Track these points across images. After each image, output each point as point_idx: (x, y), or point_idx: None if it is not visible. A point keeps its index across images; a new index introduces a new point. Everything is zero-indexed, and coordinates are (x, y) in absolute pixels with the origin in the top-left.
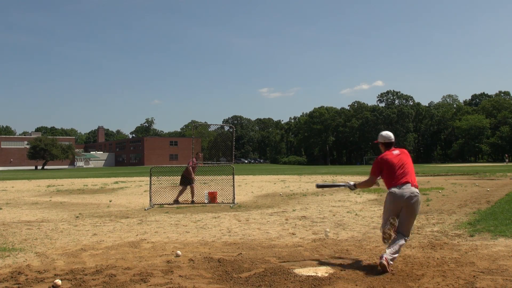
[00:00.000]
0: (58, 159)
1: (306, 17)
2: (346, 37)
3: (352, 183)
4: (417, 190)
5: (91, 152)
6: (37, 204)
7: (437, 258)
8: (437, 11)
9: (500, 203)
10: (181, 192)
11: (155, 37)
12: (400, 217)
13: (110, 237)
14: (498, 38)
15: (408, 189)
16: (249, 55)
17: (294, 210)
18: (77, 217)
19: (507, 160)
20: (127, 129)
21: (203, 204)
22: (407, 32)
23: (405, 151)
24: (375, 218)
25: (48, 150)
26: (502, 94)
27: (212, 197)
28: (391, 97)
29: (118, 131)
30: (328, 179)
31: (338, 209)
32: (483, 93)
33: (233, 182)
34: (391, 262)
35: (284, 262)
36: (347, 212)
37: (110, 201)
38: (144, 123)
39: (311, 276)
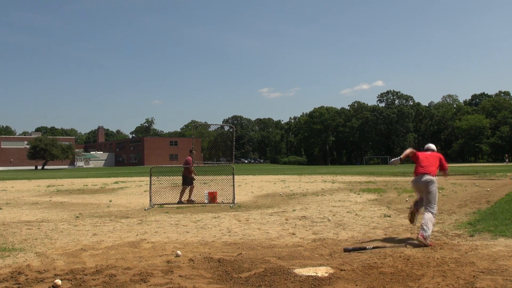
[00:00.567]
0: (58, 159)
1: (306, 17)
2: (346, 37)
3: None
4: (430, 177)
5: (91, 152)
6: (37, 204)
7: (437, 258)
8: (437, 11)
9: (500, 203)
10: (182, 192)
11: (155, 37)
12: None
13: (110, 237)
14: (498, 38)
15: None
16: (249, 55)
17: (294, 210)
18: (77, 217)
19: (507, 160)
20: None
21: (203, 204)
22: (407, 32)
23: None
24: (375, 218)
25: (48, 150)
26: (502, 94)
27: (212, 197)
28: (391, 97)
29: (118, 131)
30: (328, 179)
31: (338, 209)
32: (483, 93)
33: (233, 182)
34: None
35: (284, 262)
36: (347, 212)
37: (110, 201)
38: (144, 123)
39: (311, 276)
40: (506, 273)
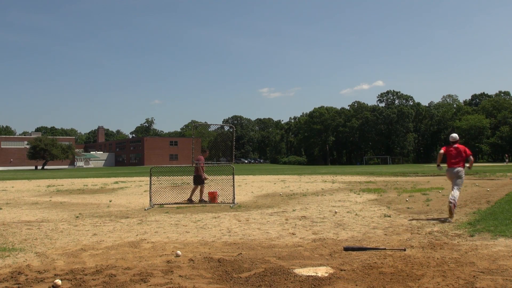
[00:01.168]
0: (58, 159)
1: (306, 17)
2: (346, 37)
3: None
4: (459, 169)
5: (91, 152)
6: (37, 204)
7: (437, 258)
8: (437, 11)
9: (500, 203)
10: (193, 191)
11: (155, 37)
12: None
13: (110, 237)
14: (498, 38)
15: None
16: (249, 55)
17: (294, 210)
18: (77, 217)
19: (507, 160)
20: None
21: (203, 204)
22: (407, 32)
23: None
24: (375, 218)
25: (48, 150)
26: (502, 94)
27: (212, 197)
28: (391, 97)
29: (118, 131)
30: (328, 179)
31: (338, 209)
32: (483, 93)
33: (233, 182)
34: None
35: (284, 262)
36: (347, 212)
37: (110, 201)
38: (144, 123)
39: (311, 276)
40: (506, 273)
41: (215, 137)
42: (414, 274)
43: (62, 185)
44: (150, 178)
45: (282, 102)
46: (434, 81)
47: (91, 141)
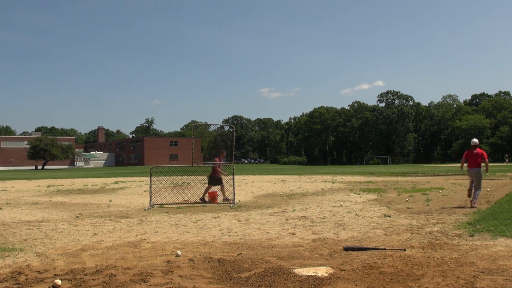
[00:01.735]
0: (58, 159)
1: (306, 17)
2: (346, 37)
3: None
4: (477, 169)
5: (91, 152)
6: (37, 204)
7: (437, 258)
8: (437, 11)
9: (500, 203)
10: (206, 190)
11: (155, 37)
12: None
13: (110, 237)
14: (498, 38)
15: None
16: (249, 55)
17: (294, 210)
18: (77, 217)
19: (507, 160)
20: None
21: (203, 204)
22: (408, 32)
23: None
24: (375, 218)
25: (48, 150)
26: (502, 94)
27: (212, 197)
28: (391, 97)
29: (118, 131)
30: (328, 179)
31: (338, 209)
32: (483, 93)
33: (233, 182)
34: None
35: (284, 262)
36: (347, 212)
37: (110, 201)
38: (144, 123)
39: (311, 276)
40: (506, 273)
41: (215, 137)
42: (414, 274)
43: (62, 185)
44: (150, 178)
45: (282, 102)
46: (434, 81)
47: (91, 141)
